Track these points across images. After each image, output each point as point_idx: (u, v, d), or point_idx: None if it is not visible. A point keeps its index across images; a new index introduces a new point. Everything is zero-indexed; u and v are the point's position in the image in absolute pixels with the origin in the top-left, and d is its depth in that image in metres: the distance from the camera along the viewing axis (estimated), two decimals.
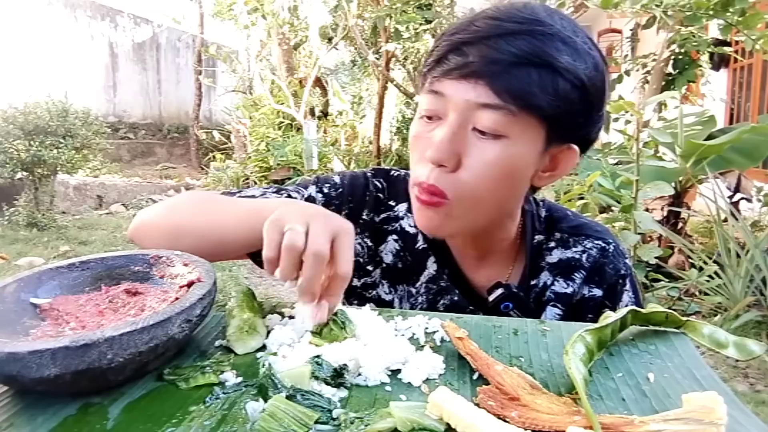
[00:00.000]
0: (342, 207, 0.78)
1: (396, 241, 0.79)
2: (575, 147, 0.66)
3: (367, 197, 0.80)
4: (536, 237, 0.77)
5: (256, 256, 0.77)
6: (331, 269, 0.54)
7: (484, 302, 0.74)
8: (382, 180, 0.82)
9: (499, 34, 0.59)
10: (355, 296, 0.80)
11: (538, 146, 0.63)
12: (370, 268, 0.79)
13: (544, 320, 0.60)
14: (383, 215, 0.80)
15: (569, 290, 0.75)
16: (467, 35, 0.61)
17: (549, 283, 0.76)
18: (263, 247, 0.54)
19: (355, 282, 0.79)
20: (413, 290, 0.77)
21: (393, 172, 0.82)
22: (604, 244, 0.77)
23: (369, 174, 0.82)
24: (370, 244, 0.79)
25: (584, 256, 0.76)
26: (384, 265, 0.79)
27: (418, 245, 0.77)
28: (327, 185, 0.80)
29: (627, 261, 0.79)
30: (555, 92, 0.59)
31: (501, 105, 0.59)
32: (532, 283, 0.76)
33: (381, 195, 0.80)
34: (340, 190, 0.79)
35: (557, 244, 0.77)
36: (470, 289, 0.77)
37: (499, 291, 0.71)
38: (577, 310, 0.75)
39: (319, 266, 0.52)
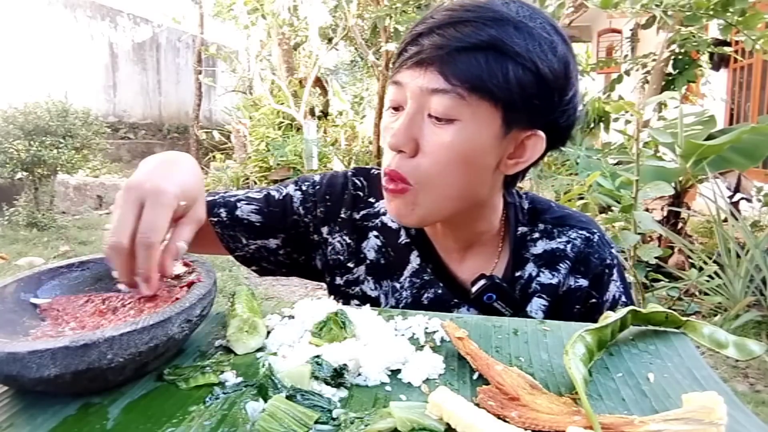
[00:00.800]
0: (318, 205, 0.80)
1: (377, 237, 0.79)
2: (541, 133, 0.66)
3: (345, 195, 0.81)
4: (520, 228, 0.78)
5: (252, 266, 0.83)
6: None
7: (469, 295, 0.74)
8: (362, 178, 0.83)
9: (450, 23, 0.62)
10: (339, 294, 0.80)
11: (494, 130, 0.63)
12: (351, 265, 0.80)
13: (543, 320, 0.60)
14: (363, 212, 0.80)
15: (554, 281, 0.75)
16: (423, 27, 0.64)
17: (534, 274, 0.76)
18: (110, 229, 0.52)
19: (338, 280, 0.80)
20: (397, 285, 0.78)
21: (374, 170, 0.83)
22: (588, 234, 0.77)
23: (350, 173, 0.83)
24: (349, 241, 0.80)
25: (569, 246, 0.76)
26: (367, 261, 0.79)
27: (400, 240, 0.78)
28: (306, 183, 0.82)
29: (613, 251, 0.79)
30: (504, 76, 0.60)
31: (449, 89, 0.61)
32: (517, 274, 0.76)
33: (360, 193, 0.81)
34: (318, 188, 0.81)
35: (541, 235, 0.78)
36: (455, 282, 0.77)
37: (482, 282, 0.72)
38: (563, 300, 0.75)
39: (153, 253, 0.51)
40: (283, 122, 7.58)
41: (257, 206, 0.79)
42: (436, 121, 0.63)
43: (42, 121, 4.77)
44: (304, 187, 0.81)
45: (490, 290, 0.71)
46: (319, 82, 8.05)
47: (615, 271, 0.77)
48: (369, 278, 0.79)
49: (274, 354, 0.50)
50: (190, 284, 0.53)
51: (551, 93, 0.63)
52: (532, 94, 0.62)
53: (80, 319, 0.52)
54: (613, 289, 0.77)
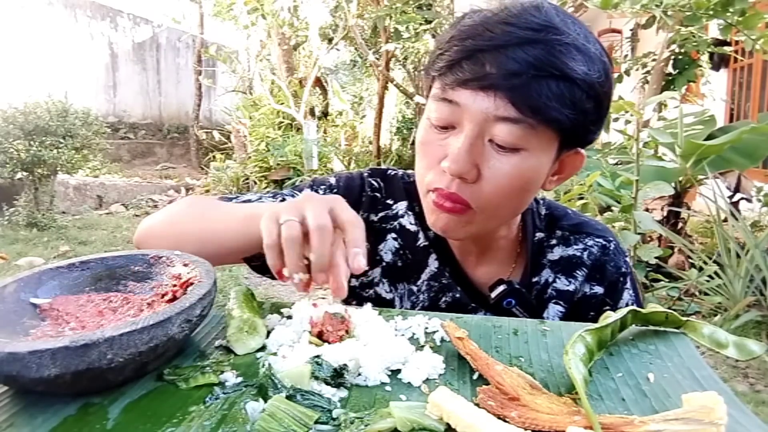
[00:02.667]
0: None
1: (395, 239, 0.79)
2: (582, 151, 0.67)
3: (363, 198, 0.79)
4: (537, 234, 0.78)
5: (252, 262, 0.76)
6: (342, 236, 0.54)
7: (486, 300, 0.74)
8: (379, 179, 0.81)
9: (516, 43, 0.58)
10: (352, 296, 0.80)
11: (552, 155, 0.64)
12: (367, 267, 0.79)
13: (544, 320, 0.60)
14: (381, 214, 0.80)
15: (571, 287, 0.76)
16: (482, 42, 0.59)
17: (550, 280, 0.76)
18: (263, 239, 0.54)
19: (353, 282, 0.79)
20: (414, 288, 0.77)
21: (390, 171, 0.82)
22: (605, 242, 0.78)
23: (365, 174, 0.82)
24: (367, 243, 0.79)
25: (585, 253, 0.77)
26: (384, 264, 0.79)
27: (419, 243, 0.77)
28: (323, 187, 0.80)
29: (627, 259, 0.80)
30: (572, 104, 0.59)
31: (520, 119, 0.58)
32: (534, 280, 0.76)
33: (378, 194, 0.80)
34: (335, 191, 0.79)
35: (558, 241, 0.78)
36: (471, 286, 0.77)
37: (502, 287, 0.72)
38: (578, 308, 0.76)
39: (326, 237, 0.52)
40: (283, 122, 7.58)
41: None
42: (498, 148, 0.60)
43: (42, 121, 4.76)
44: (320, 191, 0.79)
45: (510, 296, 0.72)
46: (319, 82, 8.05)
47: (629, 279, 0.78)
48: (384, 280, 0.79)
49: (274, 354, 0.50)
50: (189, 284, 0.53)
51: (602, 114, 0.64)
52: (591, 119, 0.62)
53: (80, 319, 0.52)
54: (627, 297, 0.77)
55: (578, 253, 0.77)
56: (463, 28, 0.62)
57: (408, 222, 0.78)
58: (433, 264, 0.77)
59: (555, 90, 0.57)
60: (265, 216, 0.55)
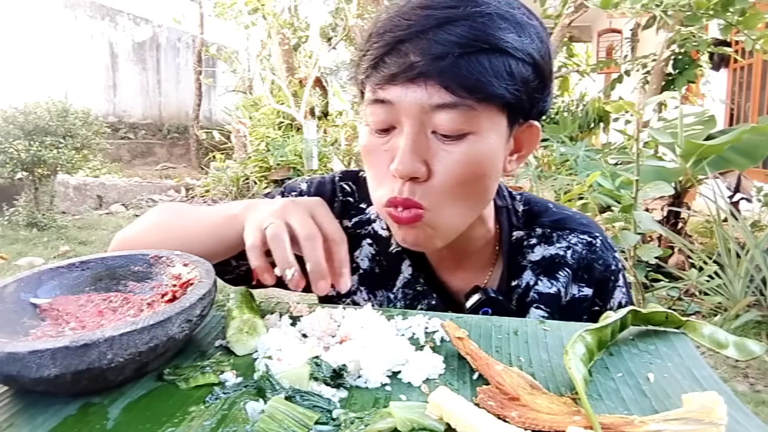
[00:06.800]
0: None
1: (371, 245, 0.76)
2: (536, 123, 0.63)
3: (335, 204, 0.76)
4: (515, 233, 0.73)
5: (225, 275, 0.74)
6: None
7: (463, 308, 0.70)
8: (350, 183, 0.78)
9: (436, 25, 0.54)
10: (330, 305, 0.78)
11: (502, 132, 0.59)
12: (352, 286, 0.75)
13: (543, 320, 0.60)
14: (355, 219, 0.76)
15: (553, 290, 0.71)
16: (401, 32, 0.55)
17: (532, 283, 0.71)
18: (246, 242, 0.54)
19: (331, 291, 0.78)
20: (391, 296, 0.74)
21: (362, 173, 0.77)
22: (590, 239, 0.73)
23: (337, 178, 0.79)
24: None
25: (569, 252, 0.72)
26: (360, 271, 0.76)
27: (391, 248, 0.74)
28: (293, 193, 0.78)
29: (617, 254, 0.74)
30: (510, 75, 0.55)
31: (458, 102, 0.54)
32: (514, 284, 0.71)
33: (351, 198, 0.77)
34: (305, 197, 0.75)
35: (539, 240, 0.73)
36: (448, 293, 0.73)
37: (476, 297, 0.67)
38: (568, 311, 0.71)
39: (317, 245, 0.53)
40: (283, 122, 7.58)
41: None
42: (444, 138, 0.57)
43: (42, 121, 4.76)
44: (291, 198, 0.77)
45: (486, 305, 0.67)
46: (319, 82, 8.05)
47: (620, 276, 0.73)
48: (362, 288, 0.76)
49: (269, 358, 0.50)
50: (189, 284, 0.53)
51: (546, 81, 0.60)
52: (533, 87, 0.58)
53: (80, 319, 0.52)
54: (619, 295, 0.73)
55: (561, 252, 0.72)
56: (380, 23, 0.58)
57: (380, 227, 0.75)
58: (406, 270, 0.73)
59: (487, 65, 0.53)
60: (248, 224, 0.56)
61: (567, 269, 0.72)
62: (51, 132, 4.80)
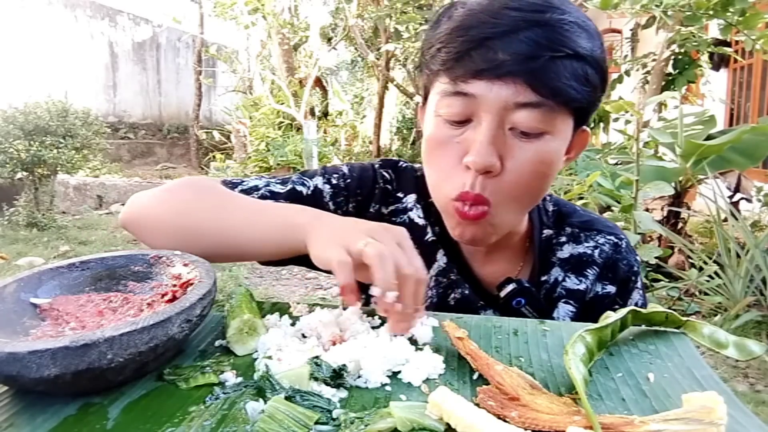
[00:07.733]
0: (350, 198, 0.76)
1: None
2: (587, 129, 0.67)
3: (376, 189, 0.77)
4: (545, 231, 0.76)
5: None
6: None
7: (494, 298, 0.73)
8: (390, 171, 0.80)
9: (524, 27, 0.56)
10: (362, 293, 0.78)
11: (568, 135, 0.63)
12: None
13: (543, 320, 0.60)
14: (392, 207, 0.78)
15: (581, 286, 0.74)
16: (489, 29, 0.57)
17: (560, 279, 0.74)
18: (333, 258, 0.53)
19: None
20: None
21: (401, 163, 0.81)
22: (616, 240, 0.77)
23: (377, 165, 0.80)
24: None
25: (596, 251, 0.76)
26: None
27: (427, 237, 0.76)
28: (335, 175, 0.77)
29: (637, 257, 0.78)
30: (586, 81, 0.58)
31: (541, 102, 0.57)
32: (543, 279, 0.74)
33: (389, 186, 0.78)
34: (349, 181, 0.77)
35: (568, 239, 0.76)
36: (479, 284, 0.76)
37: (511, 286, 0.70)
38: (591, 307, 0.74)
39: (420, 289, 0.53)
40: (283, 122, 7.59)
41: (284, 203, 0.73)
42: (522, 136, 0.59)
43: (42, 121, 4.76)
44: (333, 180, 0.76)
45: (519, 295, 0.70)
46: (319, 82, 8.05)
47: (639, 278, 0.77)
48: None
49: (269, 358, 0.50)
50: (189, 284, 0.53)
51: (605, 87, 0.63)
52: (599, 96, 0.62)
53: (80, 319, 0.52)
54: (636, 296, 0.76)
55: (589, 251, 0.75)
56: (462, 18, 0.60)
57: (417, 215, 0.77)
58: (441, 259, 0.75)
59: (570, 69, 0.57)
60: (326, 238, 0.56)
61: (595, 267, 0.75)
62: (51, 132, 4.80)
